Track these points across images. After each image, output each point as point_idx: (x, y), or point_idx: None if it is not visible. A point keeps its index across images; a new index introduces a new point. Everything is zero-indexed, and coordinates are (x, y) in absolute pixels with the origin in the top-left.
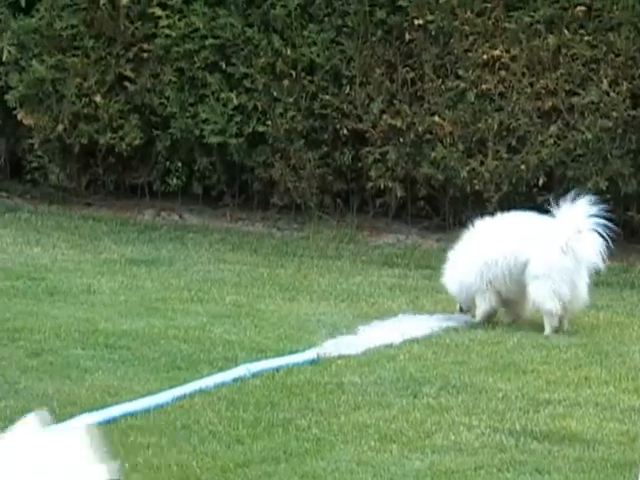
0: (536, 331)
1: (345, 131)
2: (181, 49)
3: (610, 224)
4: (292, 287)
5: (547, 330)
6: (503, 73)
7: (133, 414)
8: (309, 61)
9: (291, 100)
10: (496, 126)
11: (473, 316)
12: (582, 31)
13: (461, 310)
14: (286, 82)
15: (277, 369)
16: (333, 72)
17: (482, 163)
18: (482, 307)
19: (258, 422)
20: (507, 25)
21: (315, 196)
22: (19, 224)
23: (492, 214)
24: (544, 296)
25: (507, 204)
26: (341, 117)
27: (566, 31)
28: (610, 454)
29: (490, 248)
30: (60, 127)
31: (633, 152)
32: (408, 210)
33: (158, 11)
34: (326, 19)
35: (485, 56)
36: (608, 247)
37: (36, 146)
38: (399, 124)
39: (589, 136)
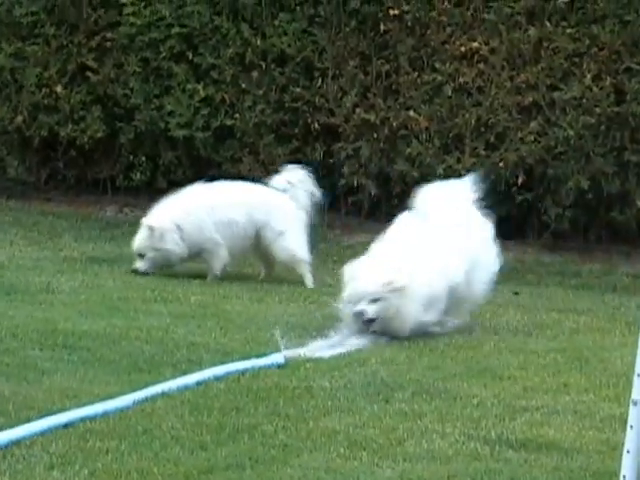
0: (514, 336)
1: (317, 125)
2: (146, 38)
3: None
4: (260, 287)
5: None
6: (482, 66)
7: (92, 418)
8: (280, 52)
9: (260, 92)
10: (474, 121)
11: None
12: (564, 23)
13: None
14: (255, 74)
15: (243, 372)
16: (304, 64)
17: (459, 160)
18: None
19: (223, 427)
20: (486, 16)
21: None
22: None
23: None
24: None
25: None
26: (312, 111)
27: (548, 23)
28: (589, 463)
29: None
30: (19, 118)
31: (616, 150)
32: (382, 208)
33: None
34: (298, 8)
35: (463, 48)
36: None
37: None
38: (373, 119)
39: (571, 133)
